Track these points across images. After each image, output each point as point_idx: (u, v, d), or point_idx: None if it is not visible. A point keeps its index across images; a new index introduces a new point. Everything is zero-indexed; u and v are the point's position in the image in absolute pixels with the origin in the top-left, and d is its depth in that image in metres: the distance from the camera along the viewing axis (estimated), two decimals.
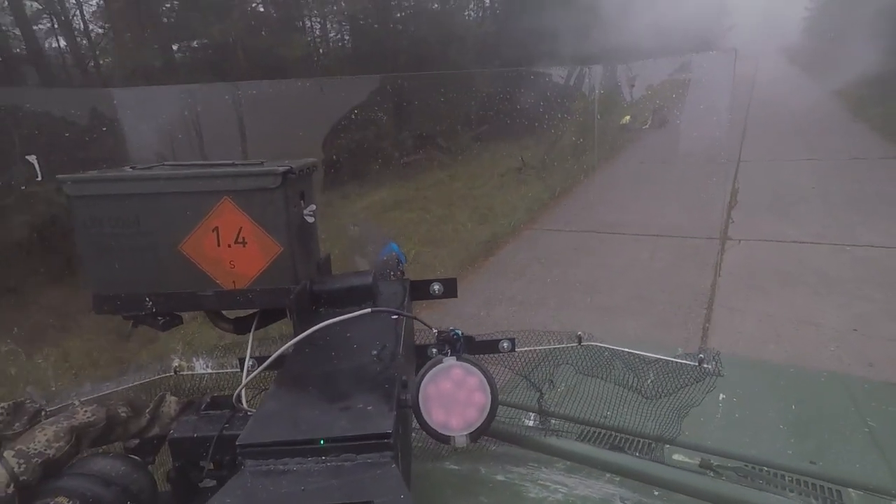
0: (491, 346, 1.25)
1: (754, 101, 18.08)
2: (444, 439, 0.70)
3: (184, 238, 0.92)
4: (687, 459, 1.19)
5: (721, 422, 1.25)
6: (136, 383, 1.25)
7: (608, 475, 1.08)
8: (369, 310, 0.81)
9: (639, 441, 1.22)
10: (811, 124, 14.39)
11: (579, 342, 1.31)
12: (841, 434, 1.32)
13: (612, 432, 1.24)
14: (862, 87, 16.97)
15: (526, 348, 1.32)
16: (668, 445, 1.19)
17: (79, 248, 0.92)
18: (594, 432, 1.26)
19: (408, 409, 0.73)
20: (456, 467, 1.03)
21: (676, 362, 1.21)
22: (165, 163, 1.01)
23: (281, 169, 0.90)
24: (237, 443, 0.61)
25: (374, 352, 0.83)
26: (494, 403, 0.70)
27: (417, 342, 1.26)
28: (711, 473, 1.15)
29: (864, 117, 14.53)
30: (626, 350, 1.28)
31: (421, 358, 1.24)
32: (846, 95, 17.42)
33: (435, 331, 0.82)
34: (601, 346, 1.30)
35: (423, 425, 0.70)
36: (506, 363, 1.33)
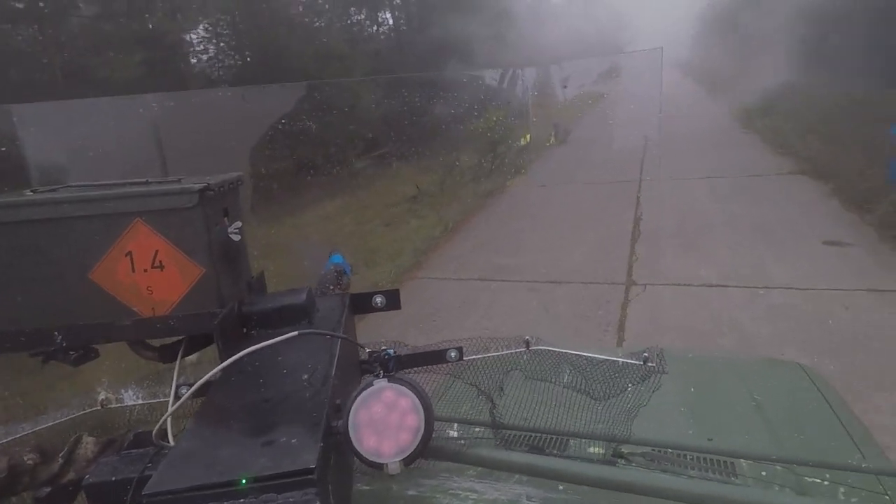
0: (438, 357, 1.22)
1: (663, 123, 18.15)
2: (377, 466, 0.67)
3: (94, 265, 0.85)
4: (600, 450, 1.24)
5: (594, 411, 1.30)
6: (57, 421, 1.16)
7: (516, 476, 1.10)
8: (296, 332, 0.77)
9: (557, 439, 1.25)
10: (707, 137, 14.64)
11: (527, 347, 1.30)
12: (733, 410, 1.44)
13: (566, 437, 1.24)
14: (749, 99, 17.29)
15: (474, 356, 1.30)
16: (582, 440, 1.24)
17: None
18: (549, 439, 1.26)
19: (339, 435, 0.69)
20: (367, 487, 1.01)
21: (622, 362, 1.22)
22: (71, 184, 0.94)
23: (197, 186, 0.85)
24: (143, 492, 0.56)
25: (305, 376, 0.79)
26: (429, 425, 0.68)
27: (362, 358, 1.22)
28: (622, 462, 1.21)
29: (753, 128, 15.00)
30: (573, 352, 1.28)
31: (367, 373, 1.20)
32: (737, 107, 17.73)
33: (367, 350, 0.78)
34: (549, 350, 1.29)
35: (354, 453, 0.67)
36: (456, 373, 1.31)
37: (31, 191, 0.90)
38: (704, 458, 1.25)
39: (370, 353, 0.72)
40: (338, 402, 0.76)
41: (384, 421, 0.67)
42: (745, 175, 10.68)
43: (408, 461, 0.67)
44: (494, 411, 1.34)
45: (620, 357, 1.22)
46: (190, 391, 0.76)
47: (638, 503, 1.01)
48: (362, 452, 0.66)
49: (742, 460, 1.24)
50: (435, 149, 12.74)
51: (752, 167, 11.18)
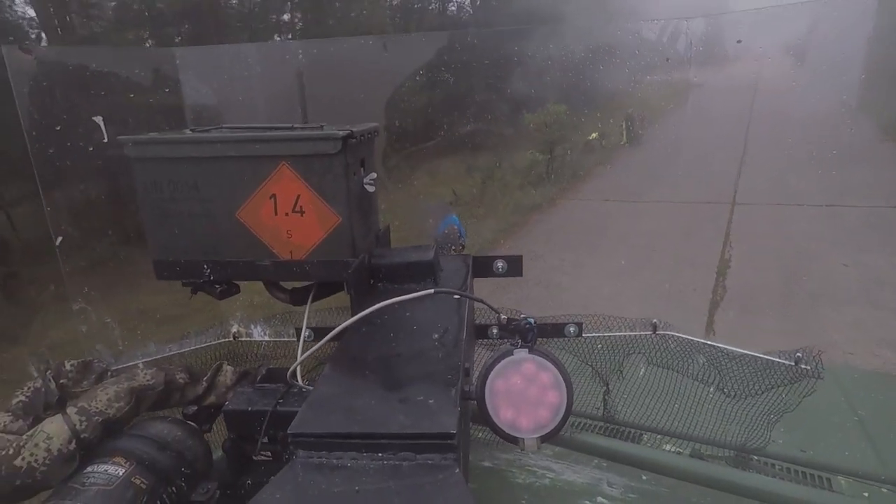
0: (556, 330, 1.16)
1: (756, 115, 13.75)
2: (512, 440, 0.63)
3: (241, 204, 0.88)
4: (678, 450, 1.15)
5: (712, 413, 1.18)
6: (196, 347, 1.26)
7: (596, 460, 1.05)
8: (432, 290, 0.74)
9: (630, 431, 1.19)
10: (827, 145, 10.03)
11: (654, 331, 1.20)
12: (830, 423, 1.31)
13: (688, 439, 1.14)
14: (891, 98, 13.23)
15: (594, 334, 1.22)
16: (658, 436, 1.15)
17: (140, 212, 0.91)
18: (669, 438, 1.17)
19: (469, 402, 0.66)
20: (529, 453, 0.99)
21: (768, 360, 1.08)
22: (223, 126, 0.97)
23: (341, 133, 0.84)
24: (289, 430, 0.57)
25: (436, 335, 0.76)
26: (570, 404, 0.63)
27: (478, 321, 1.19)
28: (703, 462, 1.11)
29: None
30: (708, 342, 1.16)
31: (481, 337, 1.18)
32: (869, 106, 13.34)
33: (503, 317, 0.74)
34: (679, 337, 1.18)
35: (489, 423, 0.64)
36: (570, 349, 1.24)
37: (190, 129, 0.95)
38: (796, 470, 1.14)
39: (508, 320, 0.68)
40: (467, 365, 0.73)
41: (523, 394, 0.63)
42: (887, 204, 7.67)
43: (545, 439, 0.63)
44: (608, 396, 1.27)
45: (766, 355, 1.09)
46: (325, 339, 0.77)
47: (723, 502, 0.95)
48: (498, 424, 0.62)
49: (840, 477, 1.12)
50: (495, 138, 10.53)
51: None
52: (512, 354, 0.64)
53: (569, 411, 0.63)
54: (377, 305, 0.74)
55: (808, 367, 1.03)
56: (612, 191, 9.84)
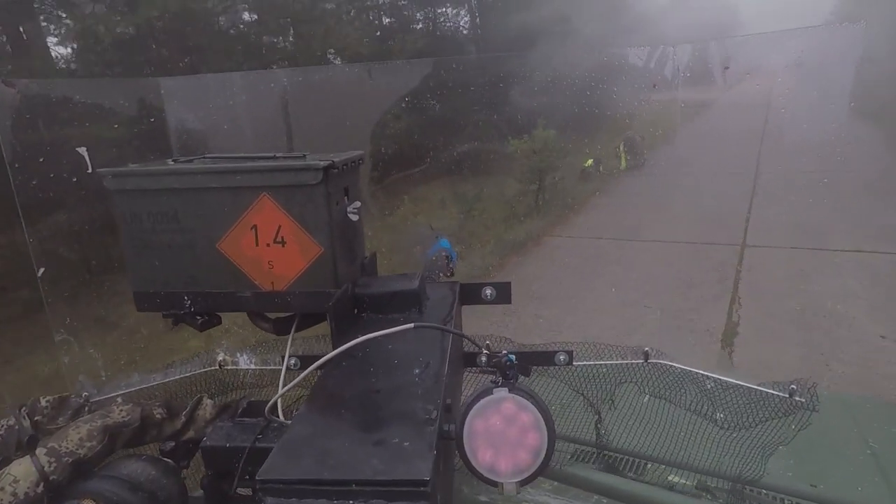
0: (546, 359, 1.14)
1: (769, 135, 12.33)
2: (491, 483, 0.61)
3: (222, 235, 0.87)
4: (682, 480, 1.10)
5: (719, 443, 1.12)
6: (181, 376, 1.24)
7: (595, 497, 1.02)
8: (412, 325, 0.73)
9: (632, 461, 1.13)
10: (849, 172, 8.84)
11: (646, 359, 1.18)
12: (843, 456, 1.25)
13: (682, 469, 1.10)
14: None
15: (584, 362, 1.20)
16: (663, 467, 1.11)
17: (122, 243, 0.90)
18: (662, 469, 1.13)
19: (450, 441, 0.64)
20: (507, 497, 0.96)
21: (761, 391, 1.06)
22: (206, 155, 0.97)
23: (322, 163, 0.83)
24: (257, 476, 0.55)
25: (417, 370, 0.75)
26: (551, 446, 0.60)
27: (467, 349, 1.17)
28: (708, 496, 1.07)
29: None
30: (701, 372, 1.13)
31: (470, 366, 1.16)
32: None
33: (485, 352, 0.72)
34: (671, 366, 1.16)
35: (468, 465, 0.61)
36: (560, 377, 1.22)
37: (172, 160, 0.94)
38: None
39: (488, 356, 0.66)
40: (448, 401, 0.71)
41: (502, 435, 0.61)
42: None
43: (525, 483, 0.60)
44: (600, 425, 1.24)
45: (760, 385, 1.06)
46: (301, 375, 0.75)
47: None
48: (476, 466, 0.60)
49: None
50: (479, 164, 9.88)
51: None
52: (491, 393, 0.62)
53: (550, 453, 0.61)
54: (355, 341, 0.72)
55: (803, 399, 1.00)
56: (606, 226, 8.72)
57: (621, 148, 11.45)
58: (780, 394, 1.04)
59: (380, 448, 0.58)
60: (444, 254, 1.27)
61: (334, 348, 0.85)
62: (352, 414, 0.65)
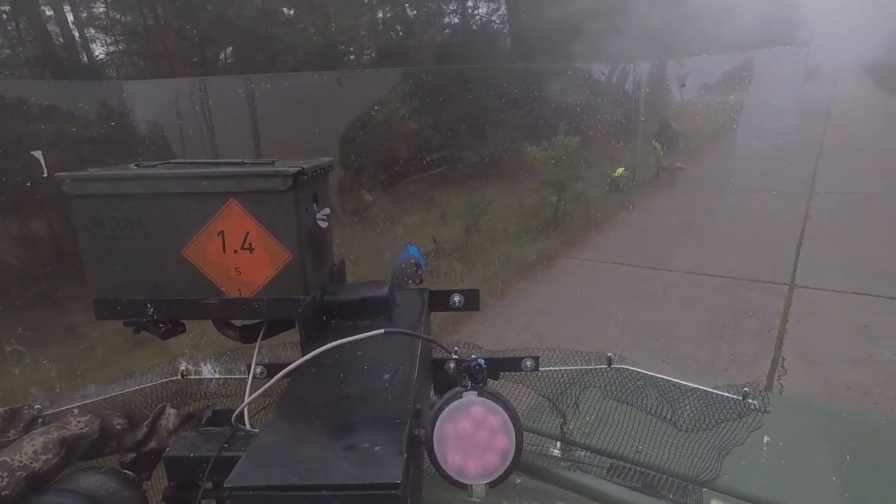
0: (512, 364, 1.16)
1: (828, 146, 11.50)
2: (461, 486, 0.62)
3: (187, 242, 0.86)
4: (680, 494, 1.10)
5: (766, 467, 1.14)
6: (142, 386, 1.20)
7: (562, 492, 1.02)
8: (382, 331, 0.73)
9: (673, 482, 1.11)
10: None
11: (609, 364, 1.22)
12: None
13: (644, 469, 1.13)
14: None
15: (550, 368, 1.23)
16: (705, 490, 1.09)
17: (80, 249, 0.87)
18: (624, 468, 1.16)
19: (420, 445, 0.65)
20: (477, 500, 0.96)
21: (717, 394, 1.11)
22: (171, 160, 0.95)
23: (292, 170, 0.83)
24: (225, 484, 0.54)
25: (387, 375, 0.75)
26: (518, 448, 0.62)
27: (435, 355, 1.18)
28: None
29: None
30: (661, 377, 1.18)
31: (438, 372, 1.17)
32: None
33: (454, 357, 0.73)
34: (633, 371, 1.20)
35: (438, 469, 0.62)
36: (528, 383, 1.24)
37: (135, 164, 0.92)
38: None
39: (457, 361, 0.67)
40: (418, 406, 0.72)
41: (471, 438, 0.62)
42: None
43: (493, 484, 0.62)
44: (565, 427, 1.27)
45: (716, 389, 1.11)
46: (271, 381, 0.74)
47: None
48: (446, 469, 0.61)
49: None
50: (497, 169, 9.10)
51: None
52: (461, 397, 0.63)
53: (518, 455, 0.62)
54: (324, 347, 0.73)
55: (755, 402, 1.06)
56: (631, 248, 7.42)
57: (655, 143, 10.27)
58: (734, 396, 1.10)
59: (350, 453, 0.58)
60: (412, 261, 1.27)
61: (303, 355, 0.85)
62: (321, 420, 0.65)
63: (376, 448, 0.58)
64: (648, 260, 6.82)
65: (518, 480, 1.07)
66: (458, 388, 0.65)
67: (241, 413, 0.82)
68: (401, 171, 8.53)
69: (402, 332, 0.79)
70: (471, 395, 0.63)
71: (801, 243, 7.04)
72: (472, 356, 0.68)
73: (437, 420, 0.63)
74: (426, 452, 0.63)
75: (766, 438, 1.15)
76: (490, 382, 0.70)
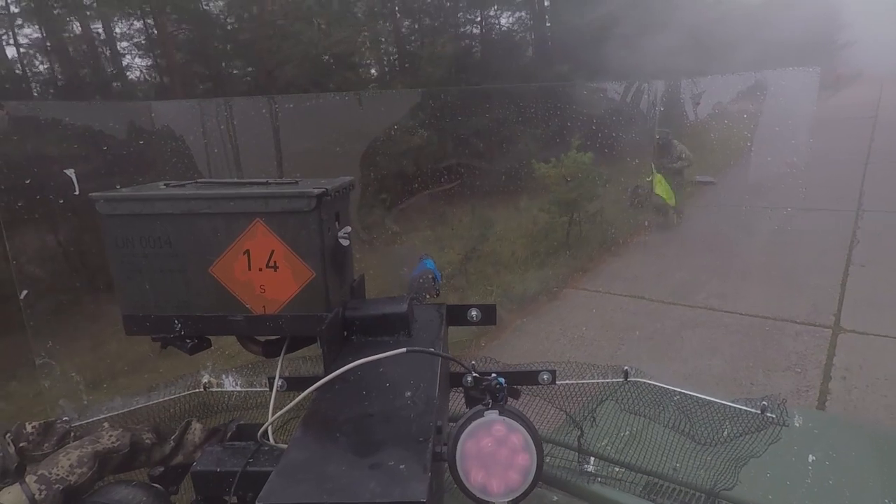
0: (529, 378, 1.17)
1: (875, 157, 10.09)
2: (484, 503, 0.63)
3: (214, 260, 0.89)
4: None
5: (812, 489, 1.10)
6: (165, 398, 1.23)
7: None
8: (404, 350, 0.75)
9: (714, 500, 1.10)
10: None
11: (626, 378, 1.22)
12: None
13: (681, 486, 1.13)
14: None
15: (567, 381, 1.24)
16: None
17: (110, 267, 0.90)
18: (660, 485, 1.15)
19: (442, 462, 0.67)
20: None
21: (735, 408, 1.11)
22: (199, 180, 0.98)
23: (316, 191, 0.85)
24: (258, 501, 0.56)
25: (408, 393, 0.77)
26: (539, 466, 0.63)
27: (453, 370, 1.19)
28: None
29: None
30: (678, 390, 1.18)
31: (456, 385, 1.18)
32: None
33: (474, 374, 0.75)
34: (650, 384, 1.21)
35: (461, 486, 0.64)
36: (545, 396, 1.25)
37: (164, 184, 0.95)
38: None
39: (477, 379, 0.69)
40: (439, 423, 0.73)
41: (493, 456, 0.63)
42: None
43: (516, 501, 0.63)
44: (582, 439, 1.28)
45: (734, 402, 1.11)
46: (296, 400, 0.76)
47: None
48: (469, 487, 0.63)
49: None
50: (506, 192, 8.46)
51: None
52: (482, 416, 0.64)
53: (539, 473, 0.63)
54: (348, 366, 0.75)
55: (774, 416, 1.05)
56: (649, 277, 6.45)
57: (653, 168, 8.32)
58: (753, 410, 1.10)
59: (376, 471, 0.60)
60: (429, 275, 1.29)
61: (325, 371, 0.87)
62: (347, 438, 0.67)
63: (401, 466, 0.60)
64: (667, 293, 5.97)
65: (555, 498, 1.07)
66: (480, 407, 0.66)
67: (266, 430, 0.85)
68: (398, 189, 8.07)
69: (423, 350, 0.81)
70: (492, 414, 0.64)
71: (847, 273, 5.90)
72: (493, 374, 0.70)
73: (459, 438, 0.64)
74: (449, 470, 0.65)
75: (811, 458, 1.13)
76: (511, 401, 0.71)
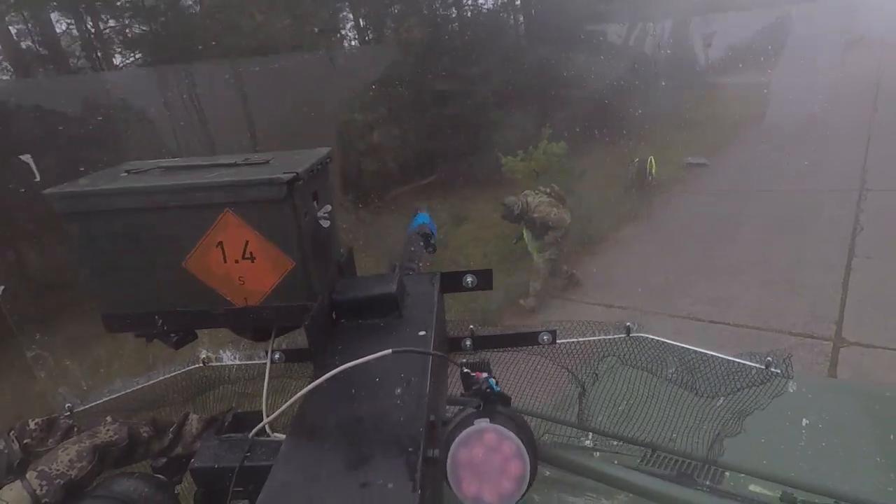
0: (529, 339, 1.15)
1: (879, 128, 8.98)
2: None
3: (187, 254, 0.83)
4: (765, 492, 1.07)
5: (806, 451, 1.10)
6: (165, 376, 1.24)
7: (579, 479, 1.02)
8: (390, 351, 0.71)
9: (710, 468, 1.10)
10: None
11: (627, 333, 1.20)
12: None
13: (677, 457, 1.12)
14: None
15: (568, 340, 1.22)
16: (743, 475, 1.07)
17: (80, 266, 0.85)
18: (658, 457, 1.15)
19: (435, 466, 0.65)
20: None
21: (739, 363, 1.09)
22: (162, 163, 0.90)
23: (286, 177, 0.78)
24: None
25: (398, 390, 0.74)
26: (533, 472, 0.61)
27: (452, 334, 1.17)
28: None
29: None
30: (681, 345, 1.16)
31: (455, 350, 1.16)
32: None
33: (465, 370, 0.72)
34: (652, 339, 1.18)
35: (455, 492, 0.63)
36: (546, 354, 1.24)
37: (126, 171, 0.88)
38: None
39: (467, 379, 0.66)
40: (432, 418, 0.71)
41: (485, 464, 0.61)
42: None
43: None
44: (584, 398, 1.28)
45: (738, 357, 1.09)
46: (283, 408, 0.75)
47: None
48: (462, 495, 0.61)
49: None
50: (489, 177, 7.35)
51: None
52: (473, 424, 0.62)
53: (533, 478, 0.62)
54: (334, 371, 0.72)
55: (778, 371, 1.03)
56: (626, 281, 5.50)
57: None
58: (757, 365, 1.08)
59: (365, 491, 0.58)
60: (420, 241, 1.23)
61: (314, 362, 0.84)
62: (334, 452, 0.65)
63: (389, 486, 0.58)
64: (645, 300, 5.00)
65: (547, 473, 1.08)
66: (471, 411, 0.64)
67: (262, 425, 0.84)
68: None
69: (411, 350, 0.78)
70: (483, 422, 0.61)
71: (849, 268, 4.84)
72: (484, 375, 0.66)
73: (450, 446, 0.62)
74: (441, 479, 0.63)
75: (804, 421, 1.12)
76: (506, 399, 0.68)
